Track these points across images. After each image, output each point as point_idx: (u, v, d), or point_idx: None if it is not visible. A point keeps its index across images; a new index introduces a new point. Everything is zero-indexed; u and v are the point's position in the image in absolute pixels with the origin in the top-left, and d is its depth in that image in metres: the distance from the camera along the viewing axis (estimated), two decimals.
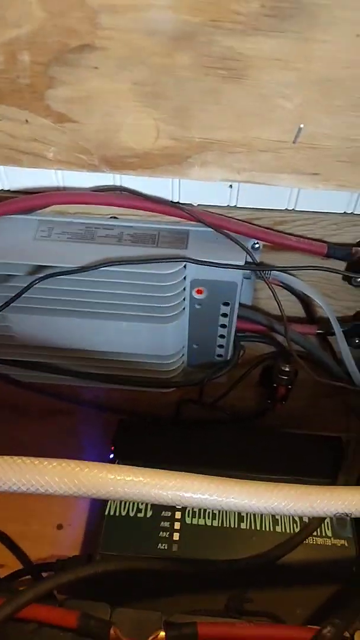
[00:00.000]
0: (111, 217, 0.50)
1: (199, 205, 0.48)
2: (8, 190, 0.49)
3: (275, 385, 0.62)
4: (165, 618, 0.38)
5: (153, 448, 0.63)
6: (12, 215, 0.48)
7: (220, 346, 0.56)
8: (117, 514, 0.57)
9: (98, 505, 0.66)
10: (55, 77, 0.34)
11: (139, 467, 0.35)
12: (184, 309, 0.51)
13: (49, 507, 0.66)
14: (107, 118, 0.34)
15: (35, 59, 0.33)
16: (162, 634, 0.36)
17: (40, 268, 0.47)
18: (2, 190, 0.49)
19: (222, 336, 0.54)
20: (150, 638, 0.35)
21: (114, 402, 0.73)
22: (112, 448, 0.64)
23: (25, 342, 0.54)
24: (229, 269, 0.47)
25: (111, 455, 0.63)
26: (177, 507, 0.57)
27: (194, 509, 0.57)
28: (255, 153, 0.36)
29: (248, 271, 0.50)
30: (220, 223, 0.48)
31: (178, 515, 0.57)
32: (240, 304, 0.52)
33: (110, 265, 0.46)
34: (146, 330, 0.51)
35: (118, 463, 0.61)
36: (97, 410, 0.73)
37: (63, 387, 0.69)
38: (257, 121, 0.34)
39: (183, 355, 0.56)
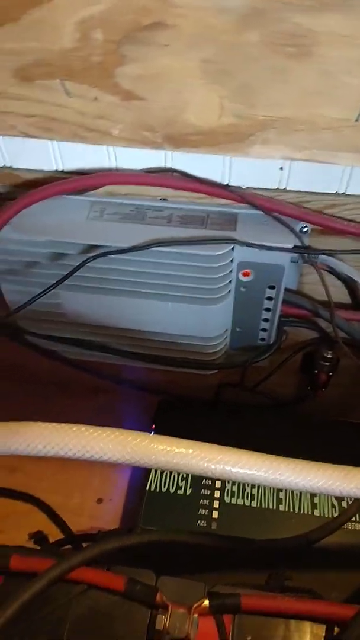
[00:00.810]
0: (161, 199, 0.51)
1: (248, 187, 0.49)
2: (62, 171, 0.51)
3: (316, 371, 0.62)
4: (209, 588, 0.39)
5: (192, 429, 0.63)
6: (66, 195, 0.50)
7: (264, 330, 0.56)
8: (158, 490, 0.59)
9: (137, 481, 0.68)
10: (126, 55, 0.34)
11: (191, 440, 0.36)
12: (229, 291, 0.51)
13: (90, 482, 0.68)
14: (174, 96, 0.35)
15: (108, 37, 0.34)
16: (206, 602, 0.37)
17: (92, 247, 0.49)
18: (56, 170, 0.51)
19: (266, 320, 0.54)
20: (195, 606, 0.36)
21: (154, 383, 0.74)
22: (153, 427, 0.66)
23: (74, 320, 0.56)
24: (277, 252, 0.48)
25: (151, 434, 0.64)
26: (217, 486, 0.59)
27: (233, 489, 0.58)
28: (317, 131, 0.36)
29: (295, 255, 0.50)
30: (270, 205, 0.48)
31: (217, 494, 0.58)
32: (285, 289, 0.52)
33: (160, 246, 0.47)
34: (191, 312, 0.52)
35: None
36: (137, 391, 0.75)
37: (106, 366, 0.71)
38: (322, 99, 0.34)
39: (226, 338, 0.57)
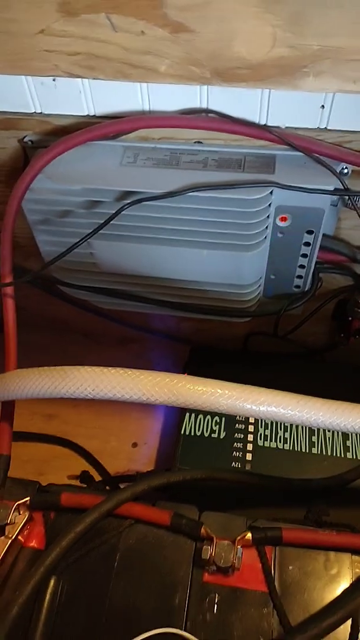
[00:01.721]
0: (196, 142, 0.49)
1: (287, 127, 0.47)
2: (93, 116, 0.49)
3: (350, 318, 0.62)
4: (249, 523, 0.41)
5: (224, 376, 0.65)
6: (98, 142, 0.49)
7: (299, 277, 0.55)
8: (192, 433, 0.60)
9: (171, 426, 0.70)
10: None
11: (235, 383, 0.36)
12: (266, 237, 0.51)
13: (126, 427, 0.70)
14: (223, 25, 0.33)
15: None
16: (249, 535, 0.39)
17: (126, 194, 0.48)
18: (87, 115, 0.49)
19: (302, 266, 0.54)
20: (238, 538, 0.38)
21: (183, 332, 0.75)
22: (185, 373, 0.67)
23: (107, 270, 0.56)
24: (316, 195, 0.46)
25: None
26: (250, 430, 0.60)
27: (266, 433, 0.59)
28: None
29: (335, 198, 0.48)
30: (309, 146, 0.46)
31: (250, 437, 0.59)
32: (322, 234, 0.51)
33: (196, 191, 0.46)
34: (226, 259, 0.52)
35: None
36: (167, 340, 0.76)
37: (137, 317, 0.71)
38: None
39: (260, 285, 0.57)
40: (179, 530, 0.40)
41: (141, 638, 0.35)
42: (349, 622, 0.35)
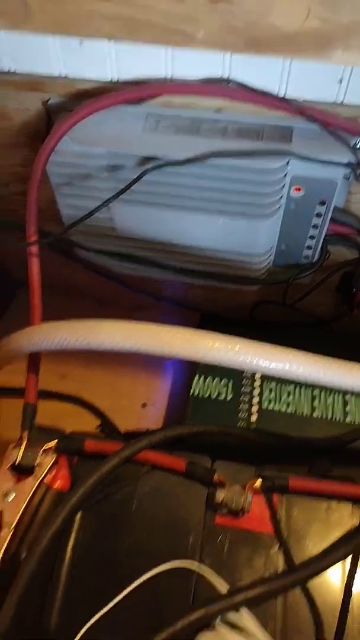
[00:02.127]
0: (216, 111, 0.51)
1: (304, 100, 0.48)
2: (117, 82, 0.50)
3: (354, 290, 0.64)
4: (258, 472, 0.44)
5: None
6: (121, 107, 0.50)
7: (309, 247, 0.57)
8: (201, 395, 0.63)
9: (179, 388, 0.73)
10: None
11: (253, 341, 0.39)
12: (279, 207, 0.52)
13: (135, 388, 0.73)
14: None
15: None
16: (259, 482, 0.42)
17: (147, 160, 0.50)
18: (110, 81, 0.51)
19: (312, 237, 0.56)
20: (248, 484, 0.41)
21: (193, 300, 0.77)
22: None
23: (125, 234, 0.58)
24: (330, 167, 0.48)
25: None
26: (255, 393, 0.63)
27: (270, 396, 0.62)
28: None
29: (348, 171, 0.50)
30: (326, 119, 0.48)
31: (255, 400, 0.62)
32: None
33: (216, 158, 0.48)
34: (241, 227, 0.54)
35: None
36: (177, 308, 0.78)
37: (149, 283, 0.73)
38: None
39: (271, 255, 0.59)
40: (193, 476, 0.43)
41: (159, 570, 0.38)
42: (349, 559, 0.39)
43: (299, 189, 0.51)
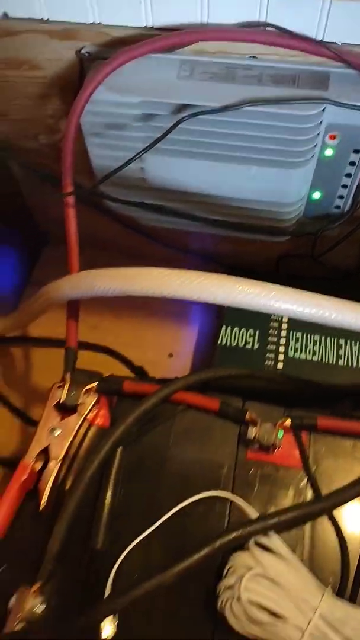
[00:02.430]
0: (251, 57, 0.50)
1: (343, 44, 0.48)
2: (151, 28, 0.50)
3: None
4: (287, 413, 0.46)
5: None
6: (155, 54, 0.50)
7: (340, 197, 0.58)
8: (228, 344, 0.65)
9: (204, 339, 0.76)
10: None
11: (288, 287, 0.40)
12: (313, 155, 0.52)
13: (162, 339, 0.76)
14: None
15: None
16: (289, 420, 0.44)
17: (182, 108, 0.50)
18: (145, 27, 0.50)
19: (344, 186, 0.56)
20: (279, 422, 0.44)
21: (220, 253, 0.78)
22: None
23: (156, 185, 0.59)
24: None
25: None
26: (281, 342, 0.65)
27: (296, 346, 0.64)
28: None
29: None
30: None
31: (282, 349, 0.64)
32: None
33: (251, 106, 0.48)
34: (273, 176, 0.54)
35: None
36: (204, 262, 0.79)
37: (177, 236, 0.74)
38: None
39: (302, 205, 0.59)
40: (226, 415, 0.46)
41: (195, 498, 0.41)
42: None
43: (334, 137, 0.51)
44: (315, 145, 0.52)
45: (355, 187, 0.56)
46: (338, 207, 0.59)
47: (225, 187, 0.57)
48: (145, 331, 0.76)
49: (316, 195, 0.58)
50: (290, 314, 0.40)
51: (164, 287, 0.40)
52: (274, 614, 0.34)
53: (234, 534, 0.36)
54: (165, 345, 0.76)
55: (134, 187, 0.60)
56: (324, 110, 0.48)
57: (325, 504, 0.39)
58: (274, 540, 0.38)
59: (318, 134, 0.50)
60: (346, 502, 0.41)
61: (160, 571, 0.34)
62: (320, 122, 0.49)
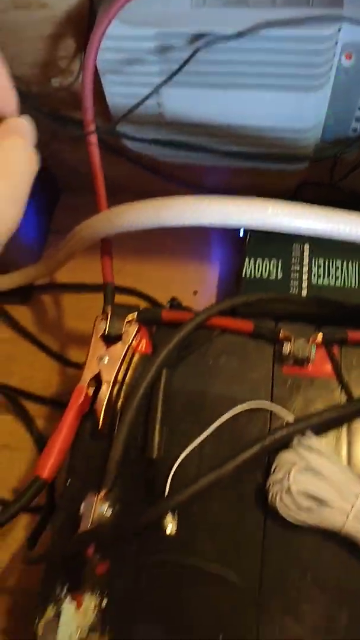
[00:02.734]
0: None
1: None
2: None
3: None
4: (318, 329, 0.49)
5: None
6: None
7: (357, 119, 0.58)
8: (252, 276, 0.67)
9: (226, 274, 0.78)
10: None
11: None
12: (330, 77, 0.53)
13: (186, 277, 0.78)
14: None
15: None
16: (321, 335, 0.47)
17: (197, 38, 0.50)
18: None
19: None
20: (311, 337, 0.47)
21: (236, 188, 0.78)
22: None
23: (173, 119, 0.59)
24: None
25: (241, 231, 0.72)
26: (304, 270, 0.67)
27: (319, 272, 0.66)
28: None
29: None
30: None
31: (305, 277, 0.66)
32: None
33: (267, 29, 0.48)
34: (291, 101, 0.54)
35: (250, 235, 0.70)
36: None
37: (192, 173, 0.75)
38: None
39: (319, 130, 0.60)
40: (261, 335, 0.48)
41: (238, 410, 0.45)
42: None
43: (350, 56, 0.51)
44: (332, 67, 0.52)
45: None
46: (355, 129, 0.59)
47: (242, 116, 0.58)
48: (168, 272, 0.79)
49: (333, 118, 0.58)
50: (319, 233, 0.42)
51: (200, 214, 0.41)
52: (320, 501, 0.38)
53: (282, 431, 0.39)
54: (189, 283, 0.78)
55: (151, 124, 0.61)
56: (339, 30, 0.48)
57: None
58: (315, 440, 0.42)
59: (334, 55, 0.50)
60: None
61: (216, 468, 0.38)
62: (336, 42, 0.49)
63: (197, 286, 0.78)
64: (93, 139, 0.52)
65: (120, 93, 0.57)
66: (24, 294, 0.80)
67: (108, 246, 0.52)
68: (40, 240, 0.85)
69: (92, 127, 0.51)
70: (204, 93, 0.55)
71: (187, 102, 0.57)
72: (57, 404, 0.73)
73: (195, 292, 0.78)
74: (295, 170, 0.66)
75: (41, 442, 0.70)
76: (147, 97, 0.52)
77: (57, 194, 0.89)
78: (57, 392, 0.75)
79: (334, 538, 0.39)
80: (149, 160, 0.70)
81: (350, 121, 0.58)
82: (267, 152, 0.62)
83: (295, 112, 0.56)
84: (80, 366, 0.74)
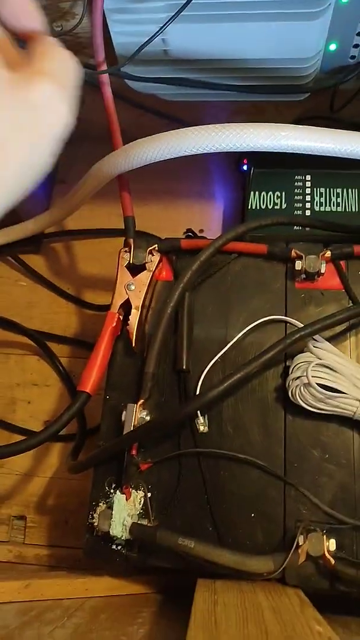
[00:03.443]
0: None
1: None
2: None
3: None
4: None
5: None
6: None
7: (356, 46, 0.60)
8: (257, 208, 0.71)
9: (232, 212, 0.81)
10: None
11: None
12: (330, 5, 0.54)
13: (191, 217, 0.80)
14: None
15: None
16: (329, 252, 0.51)
17: None
18: None
19: (359, 34, 0.58)
20: (321, 254, 0.51)
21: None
22: (245, 161, 0.75)
23: (178, 56, 0.61)
24: None
25: (244, 167, 0.74)
26: (307, 199, 0.70)
27: (321, 200, 0.69)
28: None
29: None
30: None
31: (308, 205, 0.70)
32: None
33: None
34: (291, 30, 0.56)
35: (253, 170, 0.73)
36: None
37: (192, 112, 0.77)
38: None
39: (319, 60, 0.62)
40: (274, 256, 0.53)
41: (256, 323, 0.50)
42: None
43: None
44: None
45: None
46: (354, 57, 0.61)
47: (245, 49, 0.59)
48: (174, 213, 0.82)
49: (332, 47, 0.60)
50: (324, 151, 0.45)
51: (213, 140, 0.45)
52: (335, 391, 0.43)
53: (300, 332, 0.44)
54: (196, 223, 0.81)
55: (156, 62, 0.62)
56: None
57: None
58: (326, 344, 0.46)
59: None
60: None
61: (243, 367, 0.43)
62: None
63: (204, 225, 0.81)
64: (105, 78, 0.54)
65: (126, 32, 0.58)
66: (35, 244, 0.84)
67: (125, 182, 0.55)
68: (47, 191, 0.87)
69: (103, 66, 0.53)
70: (208, 27, 0.57)
71: (192, 36, 0.58)
72: (79, 342, 0.77)
73: (201, 231, 0.81)
74: (296, 102, 0.69)
75: (67, 378, 0.75)
76: (158, 33, 0.53)
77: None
78: (76, 333, 0.79)
79: (348, 423, 0.45)
80: (153, 103, 0.72)
81: (349, 49, 0.60)
82: (270, 85, 0.64)
83: (297, 42, 0.58)
84: (96, 307, 0.78)
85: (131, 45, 0.58)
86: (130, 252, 0.53)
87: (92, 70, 0.59)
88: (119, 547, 0.45)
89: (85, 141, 0.69)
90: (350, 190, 0.69)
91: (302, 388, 0.44)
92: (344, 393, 0.43)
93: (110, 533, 0.43)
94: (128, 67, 0.64)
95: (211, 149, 0.46)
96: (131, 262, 0.52)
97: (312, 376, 0.43)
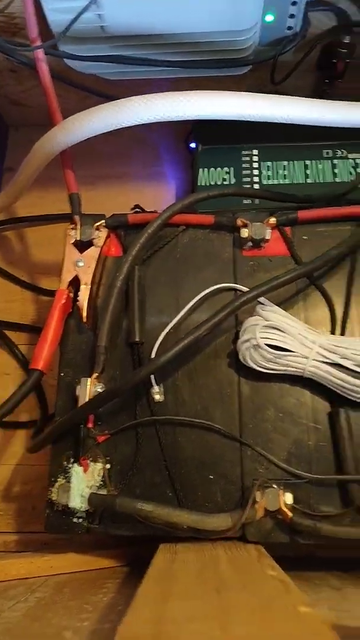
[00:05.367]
0: None
1: None
2: None
3: (334, 61, 0.69)
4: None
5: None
6: None
7: (292, 16, 0.61)
8: (207, 184, 0.71)
9: (183, 192, 0.82)
10: None
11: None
12: None
13: (142, 199, 0.79)
14: None
15: None
16: (273, 218, 0.52)
17: None
18: None
19: (294, 3, 0.59)
20: (266, 221, 0.52)
21: None
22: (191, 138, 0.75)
23: (115, 32, 0.60)
24: None
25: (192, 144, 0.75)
26: (255, 173, 0.71)
27: (268, 173, 0.70)
28: None
29: None
30: None
31: (256, 179, 0.70)
32: None
33: None
34: (226, 1, 0.56)
35: (200, 147, 0.73)
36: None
37: (134, 92, 0.76)
38: None
39: (256, 32, 0.62)
40: (221, 225, 0.53)
41: (207, 291, 0.50)
42: None
43: None
44: None
45: (304, 3, 0.59)
46: (290, 27, 0.62)
47: (181, 22, 0.59)
48: (123, 197, 0.81)
49: (269, 18, 0.61)
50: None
51: (155, 109, 0.45)
52: (283, 350, 0.44)
53: (247, 295, 0.45)
54: (148, 204, 0.80)
55: (94, 39, 0.62)
56: None
57: (311, 266, 0.48)
58: (274, 307, 0.47)
59: None
60: (326, 265, 0.50)
61: (193, 330, 0.43)
62: None
63: (156, 206, 0.80)
64: (40, 55, 0.53)
65: (59, 8, 0.58)
66: None
67: (68, 158, 0.55)
68: None
69: (38, 42, 0.53)
70: (143, 0, 0.56)
71: (127, 11, 0.58)
72: (36, 329, 0.76)
73: (155, 212, 0.81)
74: (239, 77, 0.69)
75: (26, 365, 0.74)
76: (89, 5, 0.53)
77: (5, 131, 0.88)
78: (34, 320, 0.78)
79: (299, 381, 0.46)
80: (96, 85, 0.71)
81: (285, 19, 0.61)
82: (210, 59, 0.65)
83: (233, 13, 0.58)
84: (51, 293, 0.77)
85: (66, 22, 0.57)
86: (77, 228, 0.52)
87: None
88: (80, 520, 0.45)
89: (32, 127, 0.67)
90: (296, 162, 0.71)
91: (252, 350, 0.45)
92: (292, 352, 0.44)
93: (69, 505, 0.43)
94: (66, 46, 0.63)
95: (149, 118, 0.46)
96: (78, 238, 0.52)
97: (261, 337, 0.44)
